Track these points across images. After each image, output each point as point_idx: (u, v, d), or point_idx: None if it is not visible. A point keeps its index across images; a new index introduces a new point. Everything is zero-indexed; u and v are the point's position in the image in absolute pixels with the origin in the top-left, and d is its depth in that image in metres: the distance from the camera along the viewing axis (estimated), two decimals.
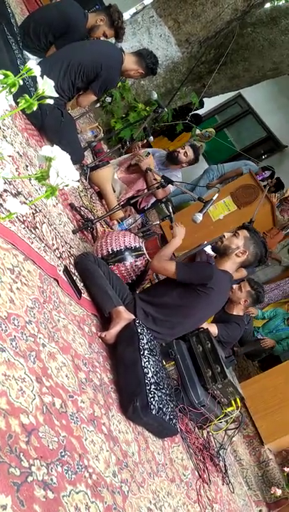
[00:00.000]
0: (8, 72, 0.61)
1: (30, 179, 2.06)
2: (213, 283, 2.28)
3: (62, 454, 1.14)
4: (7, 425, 0.98)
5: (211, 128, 7.16)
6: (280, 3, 6.72)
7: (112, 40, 3.52)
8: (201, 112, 8.06)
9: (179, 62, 4.87)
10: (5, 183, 1.59)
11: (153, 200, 4.14)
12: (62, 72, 2.85)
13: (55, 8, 3.19)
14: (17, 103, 0.70)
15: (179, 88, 4.97)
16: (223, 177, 6.49)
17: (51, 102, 0.70)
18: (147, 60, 3.19)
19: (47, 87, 0.66)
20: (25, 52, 3.04)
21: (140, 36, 4.62)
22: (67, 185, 0.71)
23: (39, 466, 1.02)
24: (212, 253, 2.81)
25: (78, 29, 3.17)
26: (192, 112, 6.00)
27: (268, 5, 5.61)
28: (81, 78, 2.93)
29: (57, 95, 0.74)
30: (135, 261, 2.57)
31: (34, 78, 0.73)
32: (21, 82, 0.64)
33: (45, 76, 0.68)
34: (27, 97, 0.66)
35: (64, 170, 0.67)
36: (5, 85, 0.60)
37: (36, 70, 0.66)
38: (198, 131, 6.82)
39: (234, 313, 3.55)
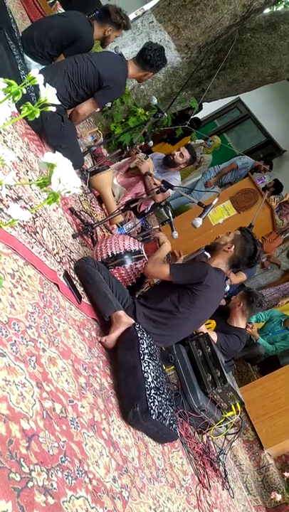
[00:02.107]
0: (12, 81, 0.62)
1: (30, 184, 2.07)
2: (208, 280, 2.30)
3: (63, 459, 1.14)
4: (7, 430, 0.98)
5: (215, 136, 7.20)
6: (279, 8, 6.78)
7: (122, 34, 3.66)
8: (200, 116, 8.10)
9: (179, 67, 4.89)
10: (5, 187, 1.60)
11: (152, 203, 4.15)
12: (66, 81, 2.86)
13: (63, 20, 3.20)
14: (19, 110, 0.71)
15: (179, 93, 4.99)
16: (219, 173, 6.53)
17: (53, 109, 0.71)
18: (152, 62, 3.16)
19: (49, 95, 0.67)
20: (27, 57, 3.06)
21: (140, 41, 4.63)
22: (69, 192, 0.72)
23: (39, 471, 1.02)
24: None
25: (86, 40, 3.20)
26: (192, 117, 6.05)
27: (267, 10, 5.65)
28: (83, 89, 2.95)
29: (59, 102, 0.74)
30: (135, 264, 2.58)
31: (36, 84, 0.74)
32: (24, 91, 0.64)
33: (47, 84, 0.69)
34: (29, 104, 0.67)
35: (66, 176, 0.68)
36: (8, 94, 0.60)
37: (39, 79, 0.66)
38: (201, 141, 6.86)
39: (234, 325, 3.55)
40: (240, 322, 3.56)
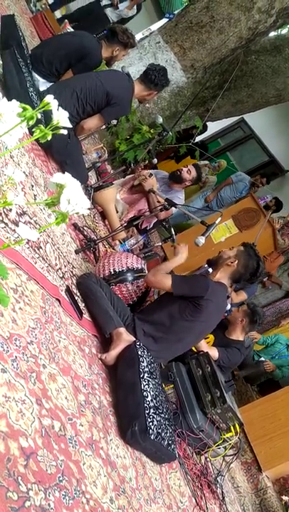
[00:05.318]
0: (27, 106, 0.63)
1: (34, 198, 2.08)
2: (210, 294, 2.29)
3: (60, 478, 1.13)
4: (6, 448, 0.97)
5: (222, 160, 7.27)
6: (284, 31, 6.90)
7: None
8: (204, 135, 8.18)
9: (184, 86, 4.96)
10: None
11: (155, 220, 4.17)
12: (74, 98, 2.91)
13: (72, 38, 3.29)
14: (31, 132, 0.72)
15: (184, 112, 5.05)
16: (216, 188, 6.55)
17: (64, 132, 0.72)
18: (156, 81, 3.26)
19: (61, 118, 0.68)
20: (34, 75, 3.11)
21: (146, 61, 4.71)
22: (77, 213, 0.73)
23: (37, 490, 1.00)
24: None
25: (94, 57, 3.28)
26: (195, 138, 6.10)
27: (272, 33, 5.75)
28: (91, 106, 3.00)
29: (71, 126, 0.76)
30: (137, 282, 2.57)
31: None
32: (39, 116, 0.65)
33: (60, 107, 0.70)
34: (42, 127, 0.68)
35: (75, 197, 0.69)
36: (23, 118, 0.61)
37: (54, 104, 0.68)
38: (206, 162, 6.93)
39: (234, 337, 3.53)
40: (239, 336, 3.55)
